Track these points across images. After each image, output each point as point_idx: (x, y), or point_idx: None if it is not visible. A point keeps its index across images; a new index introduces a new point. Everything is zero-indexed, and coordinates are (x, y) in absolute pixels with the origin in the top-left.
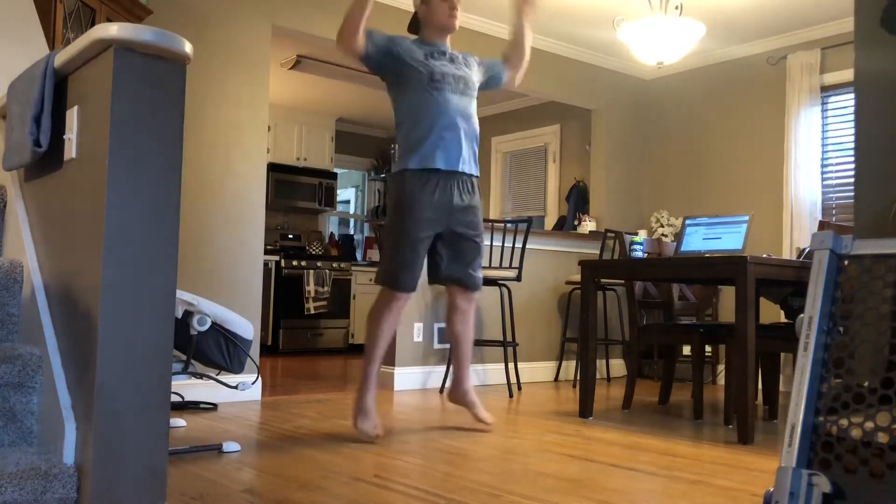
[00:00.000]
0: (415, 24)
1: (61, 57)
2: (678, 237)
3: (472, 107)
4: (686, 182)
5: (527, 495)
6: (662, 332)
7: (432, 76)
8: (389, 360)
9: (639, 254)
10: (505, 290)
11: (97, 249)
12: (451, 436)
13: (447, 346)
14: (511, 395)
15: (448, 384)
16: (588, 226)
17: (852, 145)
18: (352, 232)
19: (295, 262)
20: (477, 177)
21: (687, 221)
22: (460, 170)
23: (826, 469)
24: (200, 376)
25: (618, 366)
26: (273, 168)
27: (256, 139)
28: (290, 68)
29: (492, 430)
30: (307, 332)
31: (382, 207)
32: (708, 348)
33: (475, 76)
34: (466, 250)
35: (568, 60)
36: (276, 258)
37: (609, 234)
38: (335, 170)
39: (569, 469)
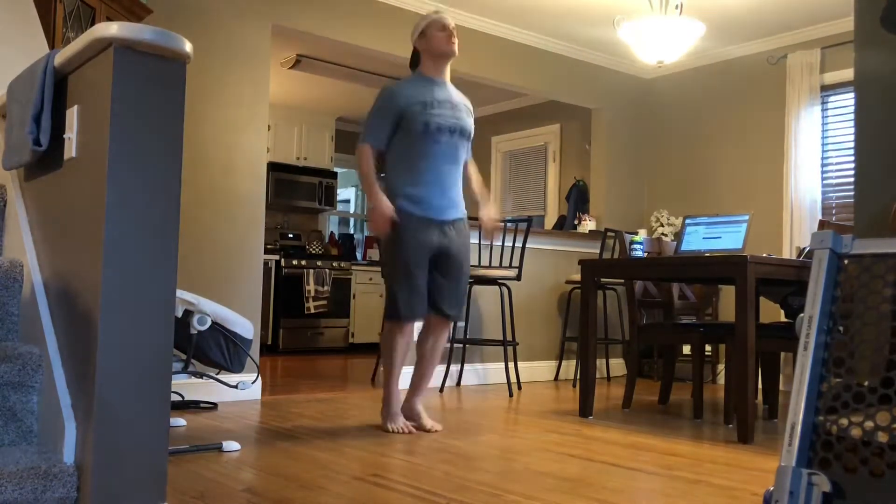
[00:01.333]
0: (415, 59)
1: (61, 56)
2: (678, 236)
3: (463, 152)
4: (686, 181)
5: (527, 495)
6: (662, 331)
7: (427, 127)
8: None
9: (639, 253)
10: (505, 290)
11: (97, 248)
12: (451, 435)
13: (447, 345)
14: (511, 395)
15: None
16: (588, 225)
17: (852, 145)
18: (352, 231)
19: (295, 262)
20: (463, 218)
21: (687, 221)
22: (448, 218)
23: (826, 468)
24: (200, 375)
25: (618, 365)
26: (273, 167)
27: (256, 138)
28: (290, 67)
29: (440, 431)
30: (307, 331)
31: None
32: (708, 348)
33: (470, 127)
34: (453, 283)
35: (568, 59)
36: (276, 257)
37: (609, 234)
38: (335, 169)
39: (569, 468)
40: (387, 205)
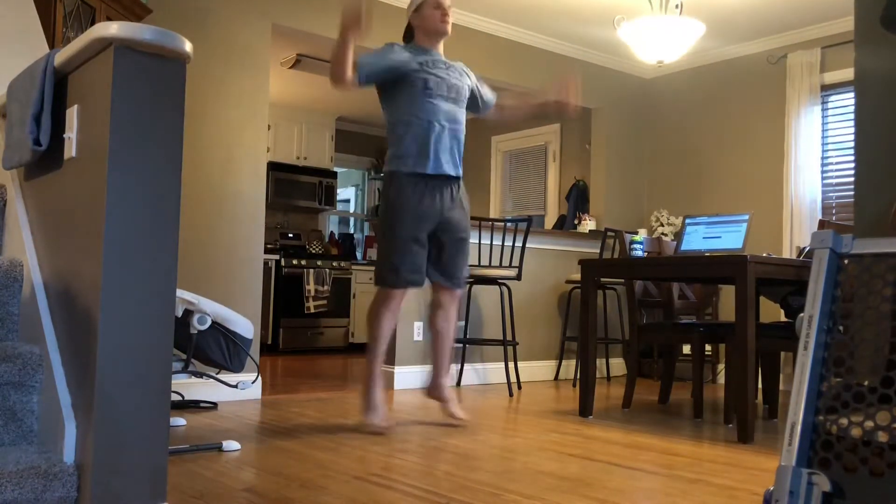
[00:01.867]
0: (409, 34)
1: (61, 56)
2: (678, 236)
3: (461, 114)
4: (686, 181)
5: (527, 494)
6: (662, 331)
7: (426, 84)
8: (390, 359)
9: (639, 253)
10: (505, 289)
11: (97, 248)
12: (452, 434)
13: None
14: (511, 394)
15: (427, 380)
16: (588, 225)
17: (852, 144)
18: (352, 231)
19: (295, 261)
20: (461, 178)
21: (687, 220)
22: (449, 174)
23: (826, 468)
24: (200, 375)
25: (618, 365)
26: (273, 167)
27: (256, 138)
28: (290, 67)
29: (465, 427)
30: (307, 331)
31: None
32: (708, 347)
33: (467, 86)
34: (453, 249)
35: (568, 59)
36: (276, 257)
37: (609, 234)
38: (335, 169)
39: (569, 468)
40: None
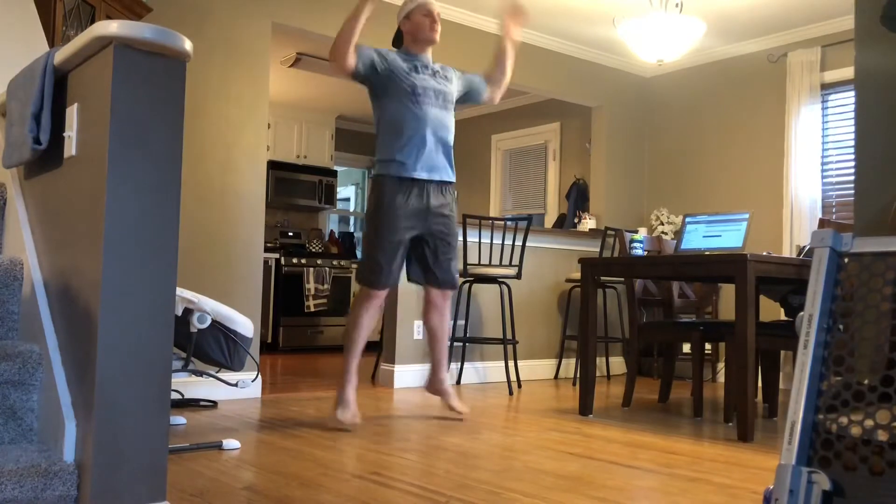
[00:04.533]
0: (398, 39)
1: (61, 54)
2: (678, 235)
3: (449, 119)
4: (686, 180)
5: (526, 493)
6: (662, 329)
7: (414, 90)
8: (389, 357)
9: (639, 252)
10: (505, 288)
11: (97, 247)
12: (451, 433)
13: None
14: (511, 393)
15: (427, 376)
16: (588, 223)
17: (852, 143)
18: (352, 229)
19: (295, 260)
20: (452, 182)
21: (687, 219)
22: (435, 179)
23: (826, 467)
24: (200, 374)
25: (618, 363)
26: (273, 166)
27: (256, 137)
28: (289, 66)
29: (465, 420)
30: (307, 329)
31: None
32: (708, 346)
33: (454, 90)
34: (441, 251)
35: (568, 58)
36: (276, 256)
37: (609, 232)
38: (335, 167)
39: (569, 466)
40: None
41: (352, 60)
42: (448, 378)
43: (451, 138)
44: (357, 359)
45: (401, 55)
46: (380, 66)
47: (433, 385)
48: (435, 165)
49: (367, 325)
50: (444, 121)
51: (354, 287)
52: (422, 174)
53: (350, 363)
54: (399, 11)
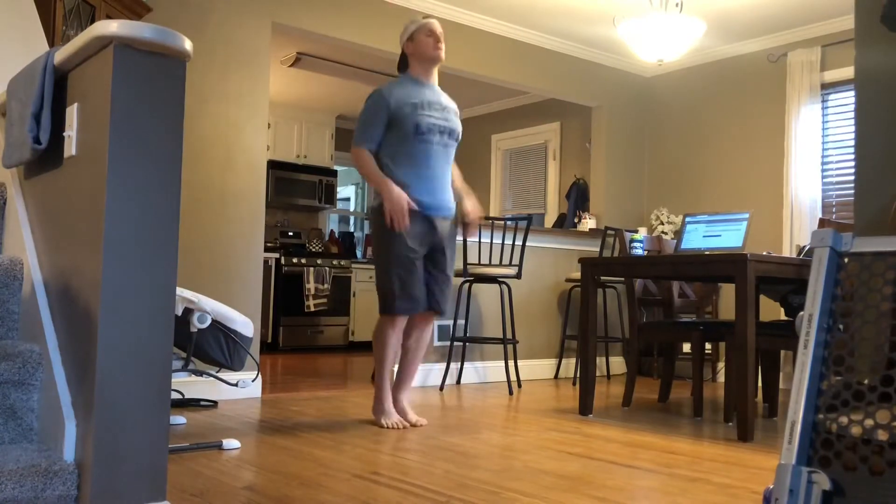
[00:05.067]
0: (403, 62)
1: (61, 54)
2: (678, 235)
3: (452, 152)
4: (686, 179)
5: (526, 492)
6: (662, 329)
7: (419, 128)
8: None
9: (639, 251)
10: (505, 288)
11: (97, 246)
12: (451, 433)
13: (447, 343)
14: (511, 393)
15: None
16: (588, 223)
17: (852, 143)
18: (352, 229)
19: (295, 260)
20: (453, 215)
21: (687, 219)
22: (437, 215)
23: (826, 466)
24: (200, 373)
25: (618, 363)
26: (273, 165)
27: (256, 136)
28: (290, 65)
29: (424, 426)
30: (307, 329)
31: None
32: (708, 346)
33: (459, 128)
34: (441, 280)
35: (568, 58)
36: (276, 255)
37: (609, 232)
38: (335, 167)
39: (568, 466)
40: (399, 190)
41: (368, 156)
42: (407, 396)
43: (449, 172)
44: (389, 379)
45: (405, 85)
46: (387, 118)
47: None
48: (436, 201)
49: (394, 348)
50: (447, 157)
51: (354, 286)
52: (430, 212)
53: (383, 379)
54: (402, 35)
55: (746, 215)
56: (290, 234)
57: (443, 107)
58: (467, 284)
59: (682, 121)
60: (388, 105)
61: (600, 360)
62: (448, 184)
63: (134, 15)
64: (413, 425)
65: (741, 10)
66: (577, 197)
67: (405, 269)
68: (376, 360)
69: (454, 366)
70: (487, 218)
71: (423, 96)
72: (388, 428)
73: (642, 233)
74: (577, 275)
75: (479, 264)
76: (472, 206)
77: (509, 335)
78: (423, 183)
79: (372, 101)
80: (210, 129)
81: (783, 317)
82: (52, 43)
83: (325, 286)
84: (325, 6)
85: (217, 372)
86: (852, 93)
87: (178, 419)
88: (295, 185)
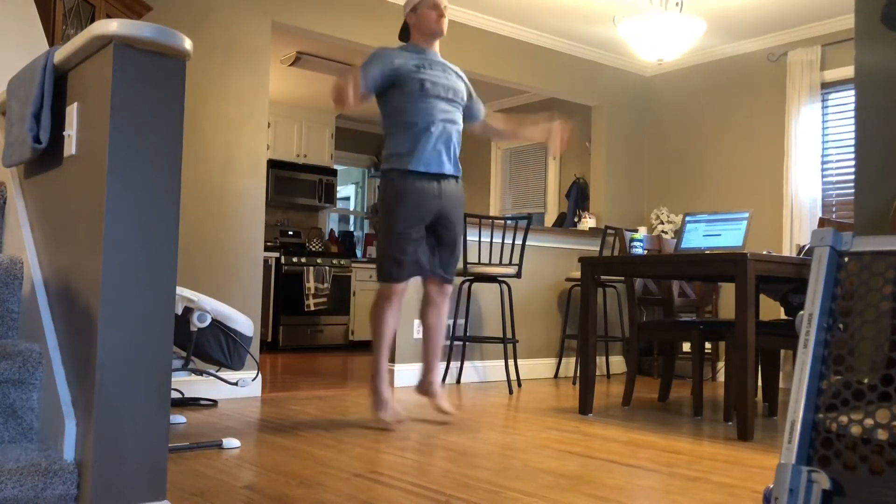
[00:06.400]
0: (405, 32)
1: (61, 53)
2: (678, 234)
3: (458, 114)
4: (686, 179)
5: (526, 492)
6: (662, 328)
7: (423, 85)
8: (390, 356)
9: (639, 251)
10: (505, 287)
11: (97, 246)
12: (451, 432)
13: (447, 342)
14: (511, 392)
15: (418, 377)
16: (588, 223)
17: (852, 142)
18: (352, 229)
19: (295, 259)
20: (459, 177)
21: (687, 218)
22: (445, 173)
23: (826, 466)
24: (200, 373)
25: (617, 362)
26: (273, 165)
27: (256, 136)
28: (289, 65)
29: (452, 422)
30: (307, 328)
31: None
32: (708, 345)
33: (464, 88)
34: (445, 245)
35: (568, 57)
36: (276, 255)
37: (609, 231)
38: (335, 166)
39: (568, 465)
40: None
41: (359, 96)
42: (438, 379)
43: (459, 133)
44: (386, 356)
45: (408, 52)
46: (389, 71)
47: (422, 386)
48: (443, 160)
49: (392, 322)
50: (452, 115)
51: (354, 286)
52: (430, 168)
53: (380, 362)
54: (405, 4)
55: (746, 215)
56: (290, 233)
57: (445, 67)
58: (467, 284)
59: (683, 120)
60: (391, 60)
61: (600, 360)
62: (456, 142)
63: (134, 14)
64: (443, 411)
65: (741, 10)
66: (577, 196)
67: (403, 235)
68: (373, 337)
69: (454, 365)
70: (487, 217)
71: (426, 57)
72: (381, 422)
73: (642, 232)
74: (577, 274)
75: (480, 263)
76: (551, 124)
77: (509, 334)
78: (428, 142)
79: (377, 51)
80: (210, 128)
81: (783, 316)
82: (51, 42)
83: (325, 285)
84: (325, 5)
85: (217, 371)
86: (852, 92)
87: (178, 418)
88: (295, 185)
